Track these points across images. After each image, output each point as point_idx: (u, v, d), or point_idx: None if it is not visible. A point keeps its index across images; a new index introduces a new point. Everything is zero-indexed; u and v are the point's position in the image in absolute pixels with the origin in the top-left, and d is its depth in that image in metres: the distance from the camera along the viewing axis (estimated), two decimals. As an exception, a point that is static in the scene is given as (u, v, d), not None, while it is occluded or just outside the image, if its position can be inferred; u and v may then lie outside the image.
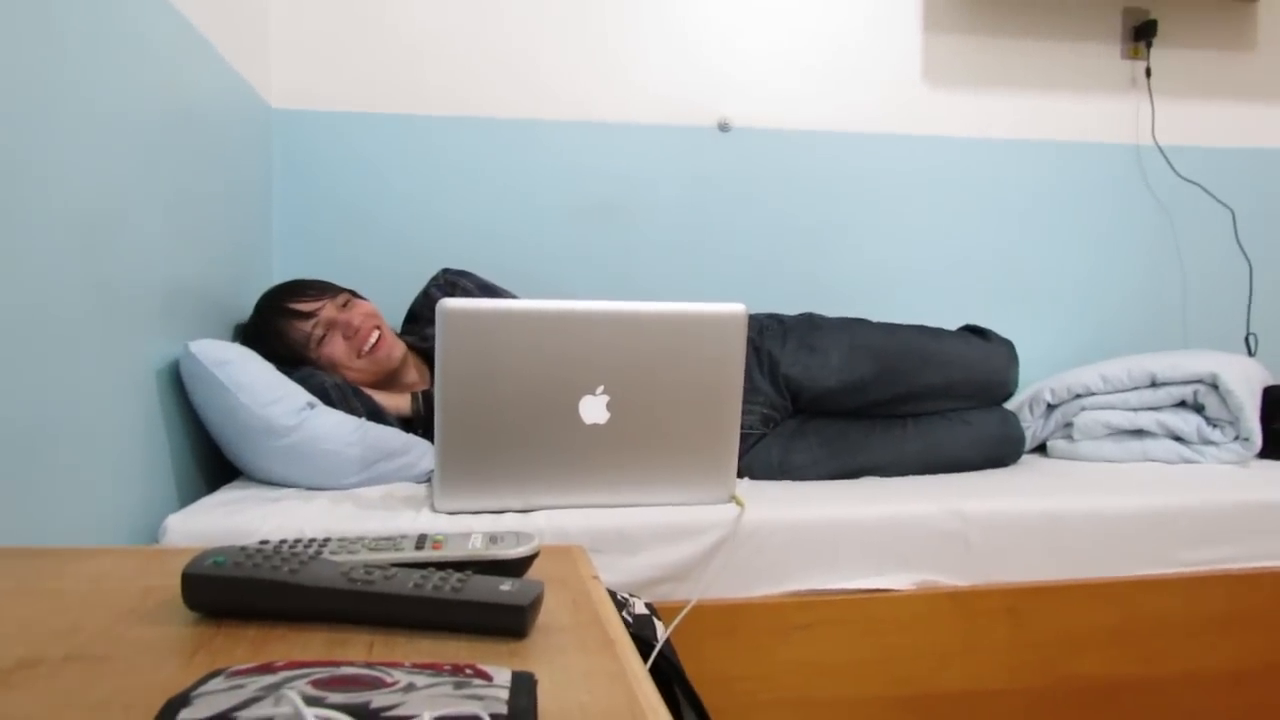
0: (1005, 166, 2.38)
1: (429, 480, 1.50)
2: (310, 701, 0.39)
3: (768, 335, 1.82)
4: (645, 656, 0.97)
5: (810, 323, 1.87)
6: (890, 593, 1.38)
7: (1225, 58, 2.47)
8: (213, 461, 1.55)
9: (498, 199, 2.18)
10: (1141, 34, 2.38)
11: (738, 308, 1.33)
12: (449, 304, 1.25)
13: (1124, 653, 1.45)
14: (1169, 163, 2.40)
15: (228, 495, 1.40)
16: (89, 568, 0.75)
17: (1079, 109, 2.41)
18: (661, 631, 1.13)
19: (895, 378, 1.77)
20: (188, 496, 1.44)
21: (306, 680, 0.44)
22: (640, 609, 1.14)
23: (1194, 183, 2.41)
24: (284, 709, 0.35)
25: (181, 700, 0.42)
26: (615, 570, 1.26)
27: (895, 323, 1.90)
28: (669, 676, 1.09)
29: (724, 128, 2.26)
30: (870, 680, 1.37)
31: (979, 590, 1.41)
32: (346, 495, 1.40)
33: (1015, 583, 1.43)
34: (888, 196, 2.33)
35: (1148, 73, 2.39)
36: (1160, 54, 2.39)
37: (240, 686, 0.43)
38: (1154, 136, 2.40)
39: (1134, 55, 2.41)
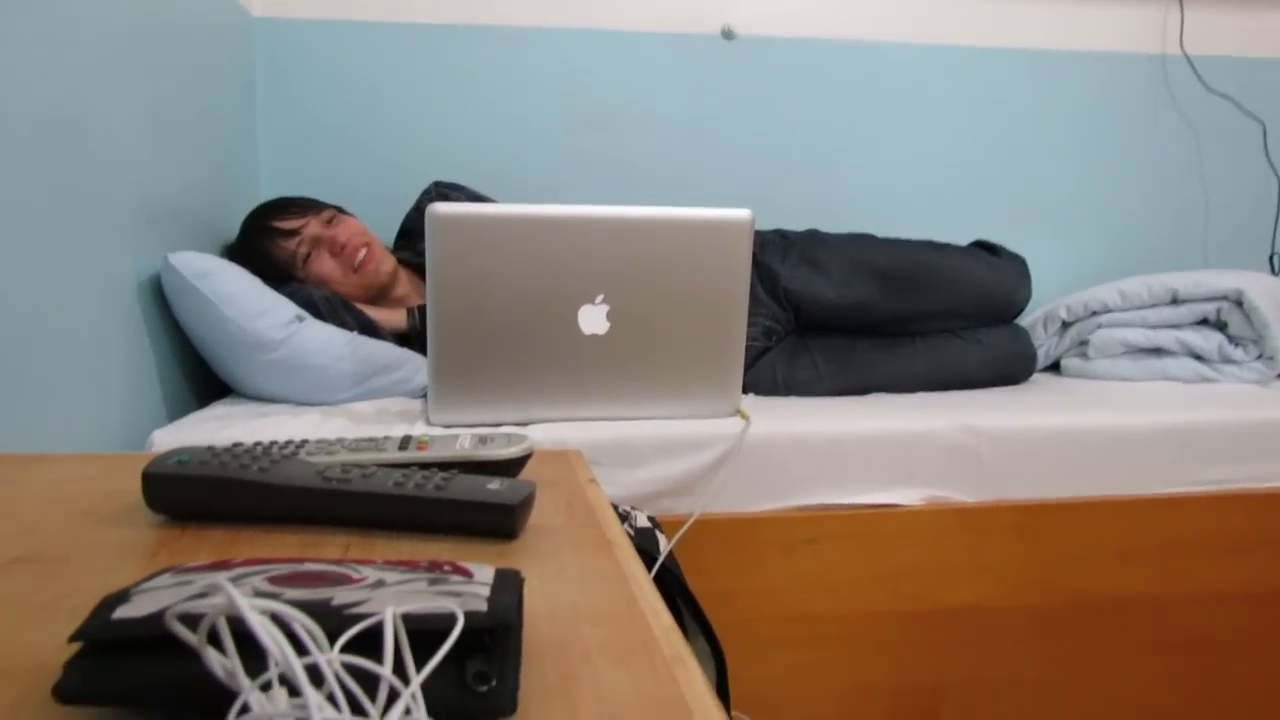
0: (1023, 77, 2.28)
1: (424, 396, 1.45)
2: (262, 597, 0.35)
3: (769, 249, 1.75)
4: (647, 570, 0.94)
5: (813, 238, 1.80)
6: (898, 508, 1.34)
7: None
8: (202, 378, 1.50)
9: (493, 110, 2.09)
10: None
11: (744, 213, 1.27)
12: (438, 209, 1.18)
13: (1135, 571, 1.42)
14: (1197, 74, 2.30)
15: (217, 411, 1.36)
16: (50, 472, 0.70)
17: (1103, 16, 2.29)
18: (664, 544, 1.09)
19: (900, 296, 1.70)
20: (176, 412, 1.40)
21: (263, 576, 0.39)
22: (643, 522, 1.10)
23: (1223, 95, 2.31)
24: (218, 599, 0.30)
25: (120, 596, 0.37)
26: (616, 484, 1.23)
27: (902, 239, 1.83)
28: (671, 590, 1.06)
29: (728, 35, 2.16)
30: (876, 596, 1.34)
31: (989, 506, 1.37)
32: (339, 409, 1.35)
33: (1026, 499, 1.39)
34: (899, 108, 2.24)
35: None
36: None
37: (187, 583, 0.38)
38: (1182, 46, 2.29)
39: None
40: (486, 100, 2.09)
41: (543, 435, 1.23)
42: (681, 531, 1.16)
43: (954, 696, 1.40)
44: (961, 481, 1.37)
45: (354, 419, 1.29)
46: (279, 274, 1.58)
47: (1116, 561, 1.41)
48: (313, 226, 1.61)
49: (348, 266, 1.61)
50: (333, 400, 1.39)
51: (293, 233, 1.59)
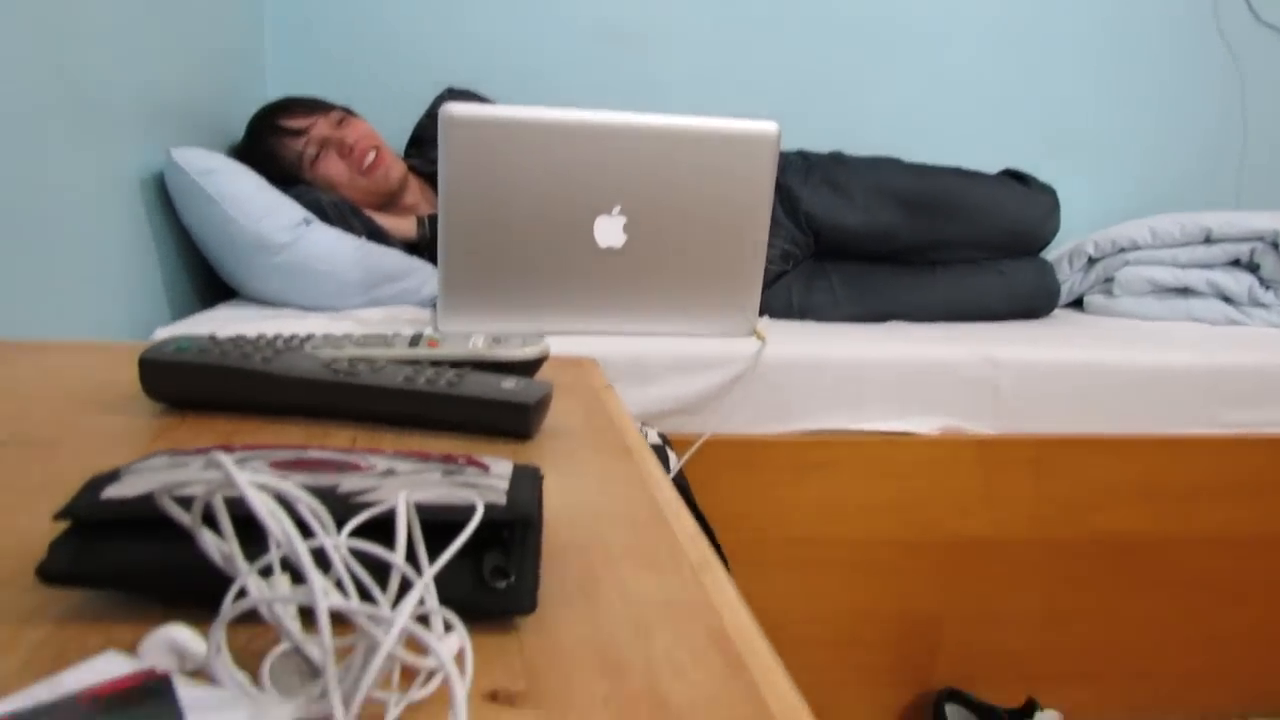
0: (1062, 2, 2.18)
1: (433, 306, 1.42)
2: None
3: (791, 170, 1.69)
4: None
5: (837, 160, 1.74)
6: (912, 436, 1.32)
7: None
8: (207, 280, 1.47)
9: (510, 17, 2.01)
10: None
11: (769, 125, 1.22)
12: (452, 109, 1.14)
13: (1147, 510, 1.40)
14: (1249, 5, 2.20)
15: (222, 312, 1.33)
16: (47, 359, 0.68)
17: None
18: (674, 463, 1.07)
19: (924, 223, 1.65)
20: (180, 313, 1.38)
21: (264, 461, 0.36)
22: (653, 439, 1.08)
23: (1273, 26, 2.21)
24: (212, 474, 0.27)
25: (110, 476, 0.35)
26: (628, 400, 1.20)
27: (929, 164, 1.77)
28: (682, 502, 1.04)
29: (758, -55, 2.07)
30: (885, 523, 1.33)
31: (1005, 439, 1.35)
32: (346, 315, 1.32)
33: (1043, 434, 1.36)
34: (931, 31, 2.15)
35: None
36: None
37: (182, 465, 0.35)
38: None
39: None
40: (502, 9, 2.01)
41: (554, 349, 1.19)
42: (692, 450, 1.14)
43: (956, 626, 1.39)
44: (978, 413, 1.34)
45: (361, 324, 1.26)
46: (285, 175, 1.53)
47: (1130, 500, 1.39)
48: (321, 127, 1.56)
49: (356, 169, 1.56)
50: (339, 307, 1.36)
51: (300, 132, 1.54)
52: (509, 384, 0.54)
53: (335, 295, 1.36)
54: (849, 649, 1.37)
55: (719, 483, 1.23)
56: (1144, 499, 1.40)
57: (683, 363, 1.23)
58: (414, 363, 0.58)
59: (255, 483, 0.26)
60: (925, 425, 1.33)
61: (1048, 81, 2.21)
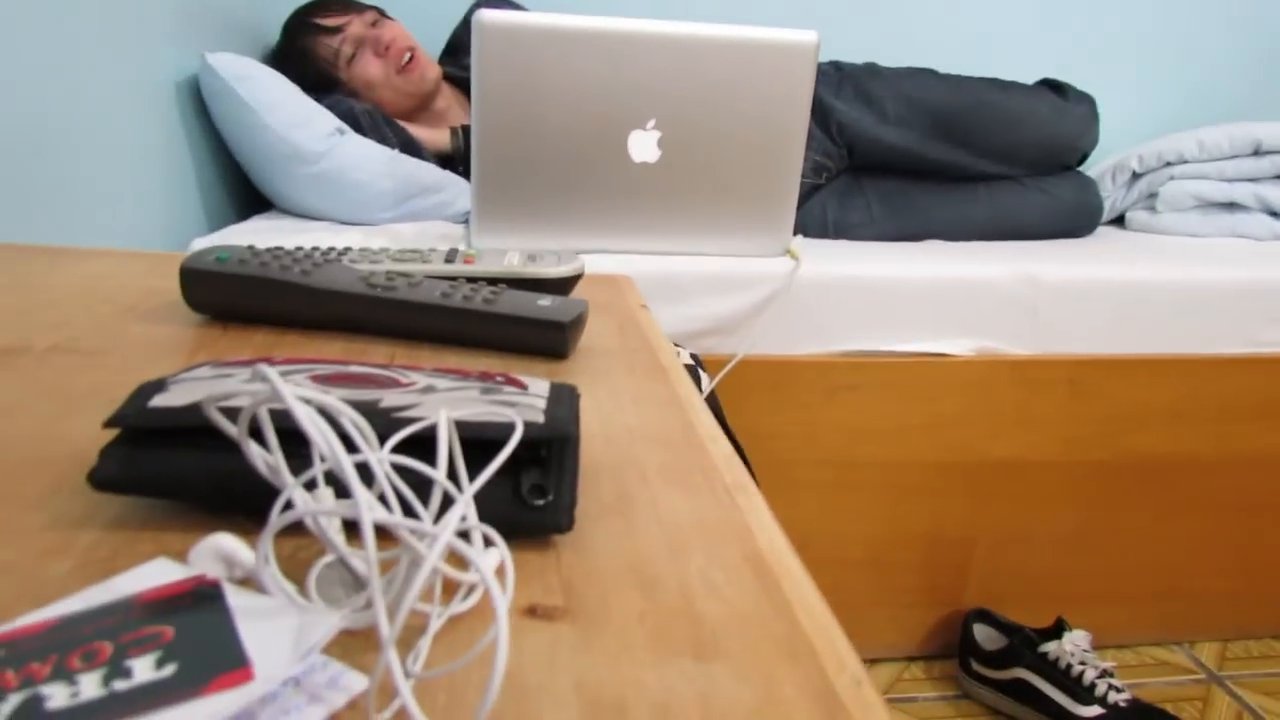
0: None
1: (466, 221, 1.42)
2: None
3: (823, 81, 1.64)
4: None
5: (870, 71, 1.68)
6: (946, 357, 1.31)
7: None
8: (243, 190, 1.47)
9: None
10: None
11: (809, 36, 1.18)
12: (486, 16, 1.11)
13: (1184, 431, 1.39)
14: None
15: (257, 224, 1.33)
16: (90, 266, 0.68)
17: None
18: (706, 383, 1.07)
19: (956, 135, 1.60)
20: (216, 223, 1.38)
21: (306, 375, 0.37)
22: (685, 359, 1.08)
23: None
24: (259, 386, 0.28)
25: (157, 385, 0.35)
26: (661, 320, 1.20)
27: (964, 75, 1.71)
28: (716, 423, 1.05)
29: None
30: (917, 445, 1.33)
31: (1041, 359, 1.33)
32: (380, 230, 1.32)
33: (1080, 354, 1.35)
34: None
35: None
36: None
37: (227, 376, 0.36)
38: None
39: None
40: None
41: (589, 266, 1.19)
42: (725, 371, 1.14)
43: (986, 547, 1.40)
44: (1014, 333, 1.33)
45: (396, 240, 1.26)
46: (321, 75, 1.52)
47: (1166, 421, 1.38)
48: (356, 25, 1.54)
49: (392, 68, 1.55)
50: (372, 220, 1.36)
51: (336, 30, 1.53)
52: (545, 302, 0.54)
53: (368, 206, 1.35)
54: (879, 569, 1.39)
55: (751, 403, 1.23)
56: (1178, 420, 1.39)
57: (716, 282, 1.22)
58: (450, 279, 0.58)
59: (300, 396, 0.27)
60: (960, 346, 1.32)
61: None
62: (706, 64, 1.17)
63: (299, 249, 0.62)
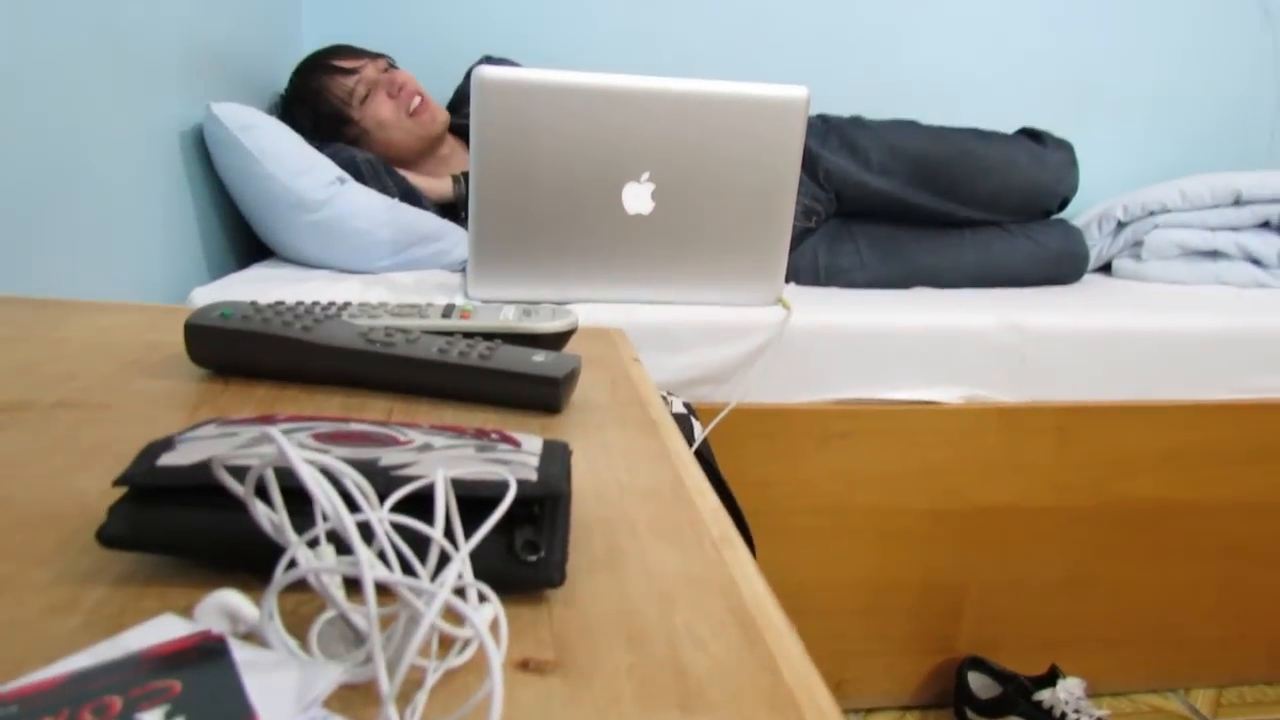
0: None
1: (463, 269, 1.44)
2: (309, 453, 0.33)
3: (810, 132, 1.68)
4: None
5: (855, 123, 1.73)
6: (936, 405, 1.32)
7: None
8: (243, 238, 1.49)
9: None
10: None
11: (799, 91, 1.22)
12: (485, 72, 1.14)
13: (1172, 477, 1.41)
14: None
15: (258, 272, 1.35)
16: (96, 320, 0.70)
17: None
18: (699, 432, 1.09)
19: (938, 184, 1.64)
20: (216, 271, 1.40)
21: (308, 433, 0.38)
22: (678, 408, 1.09)
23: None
24: (265, 449, 0.29)
25: (165, 444, 0.37)
26: (654, 369, 1.21)
27: (946, 126, 1.75)
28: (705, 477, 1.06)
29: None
30: (909, 492, 1.34)
31: (1029, 407, 1.35)
32: (378, 279, 1.34)
33: (1067, 401, 1.36)
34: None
35: None
36: None
37: (232, 435, 0.37)
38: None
39: None
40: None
41: (582, 316, 1.21)
42: (717, 420, 1.15)
43: (978, 594, 1.41)
44: (1003, 381, 1.35)
45: (394, 289, 1.28)
46: (333, 114, 1.57)
47: (1155, 467, 1.40)
48: (370, 69, 1.61)
49: (404, 110, 1.60)
50: (371, 268, 1.38)
51: (352, 71, 1.59)
52: (539, 358, 0.55)
53: (367, 254, 1.38)
54: (873, 617, 1.39)
55: (744, 451, 1.24)
56: (1168, 466, 1.40)
57: (709, 331, 1.24)
58: (447, 334, 0.60)
59: (306, 458, 0.28)
60: (950, 394, 1.33)
61: (1076, 38, 2.17)
62: (700, 118, 1.20)
63: (299, 304, 0.64)
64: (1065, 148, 1.71)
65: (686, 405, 1.11)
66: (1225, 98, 2.24)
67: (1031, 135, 1.75)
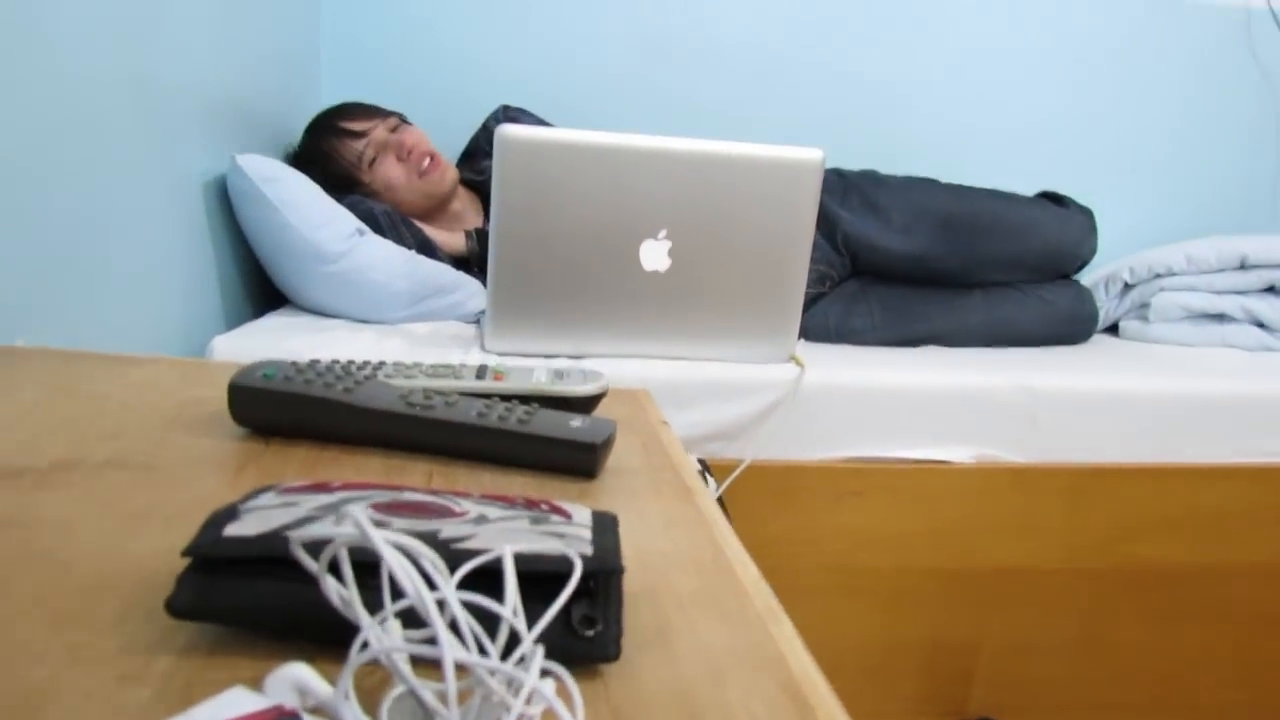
0: (1103, 21, 2.19)
1: (478, 321, 1.45)
2: (374, 527, 0.34)
3: (827, 190, 1.70)
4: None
5: (874, 180, 1.75)
6: (948, 465, 1.33)
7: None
8: (260, 287, 1.51)
9: (556, 34, 2.05)
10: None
11: (814, 154, 1.24)
12: (508, 131, 1.17)
13: (1184, 540, 1.41)
14: (1281, 27, 2.21)
15: (275, 321, 1.37)
16: (134, 374, 0.71)
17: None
18: (713, 489, 1.09)
19: (962, 244, 1.65)
20: (234, 320, 1.41)
21: (366, 504, 0.39)
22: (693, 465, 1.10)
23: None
24: (346, 529, 0.30)
25: (229, 513, 0.37)
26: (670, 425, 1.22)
27: (966, 185, 1.78)
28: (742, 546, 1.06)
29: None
30: (919, 551, 1.34)
31: (1040, 468, 1.36)
32: (395, 330, 1.35)
33: (1078, 463, 1.37)
34: (969, 49, 2.16)
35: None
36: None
37: (293, 504, 0.38)
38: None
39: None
40: (551, 24, 2.04)
41: (598, 368, 1.22)
42: (732, 478, 1.16)
43: (990, 656, 1.40)
44: (1014, 441, 1.35)
45: (410, 340, 1.29)
46: (343, 176, 1.58)
47: (1165, 529, 1.40)
48: (379, 130, 1.61)
49: (413, 172, 1.61)
50: (387, 318, 1.40)
51: (360, 134, 1.59)
52: (576, 423, 0.56)
53: (383, 306, 1.39)
54: (884, 677, 1.38)
55: (756, 508, 1.25)
56: (1179, 528, 1.41)
57: (722, 388, 1.25)
58: (484, 396, 0.61)
59: (386, 539, 0.29)
60: (961, 453, 1.34)
61: (1084, 103, 2.22)
62: (716, 178, 1.22)
63: (336, 364, 0.65)
64: (1086, 213, 1.74)
65: (701, 462, 1.12)
66: (1228, 160, 2.28)
67: (1053, 198, 1.78)
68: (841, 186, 1.72)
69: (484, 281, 1.31)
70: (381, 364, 0.67)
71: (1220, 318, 1.78)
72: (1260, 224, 2.27)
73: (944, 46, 2.15)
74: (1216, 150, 2.28)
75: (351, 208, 1.46)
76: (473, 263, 1.56)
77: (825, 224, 1.65)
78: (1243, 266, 1.77)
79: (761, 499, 1.27)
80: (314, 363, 0.62)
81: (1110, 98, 2.23)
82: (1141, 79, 2.23)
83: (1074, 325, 1.72)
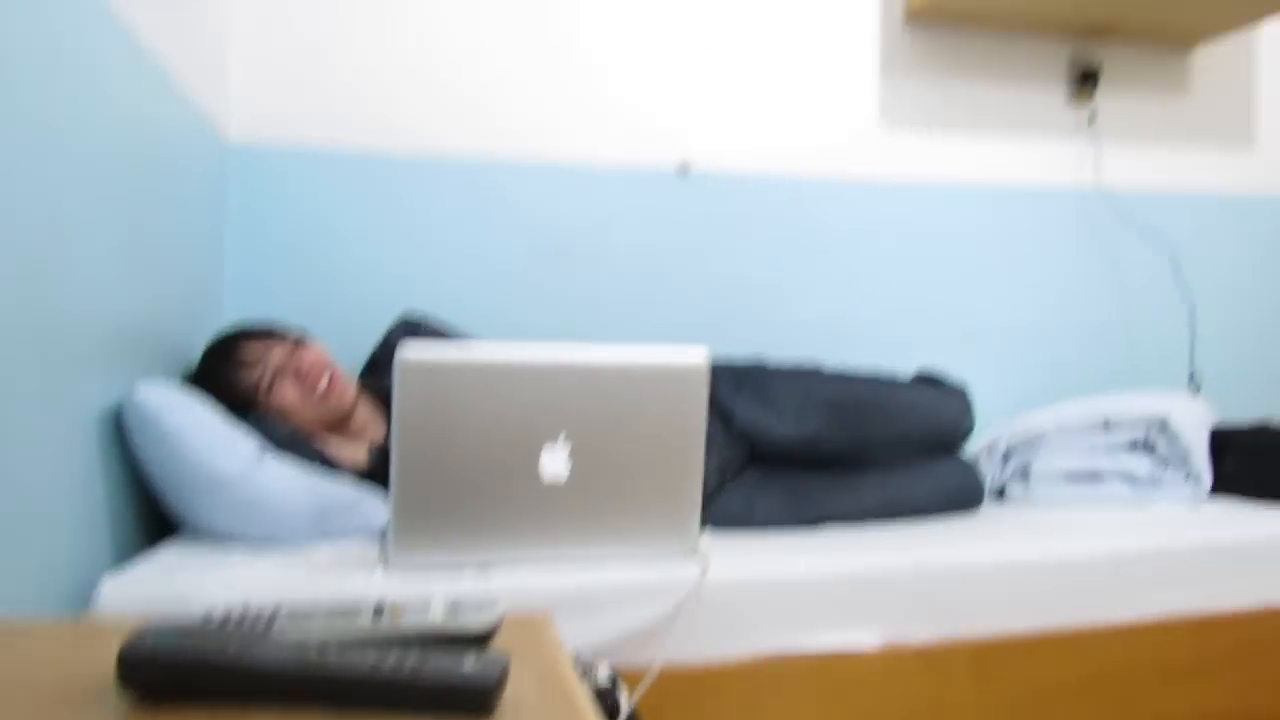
0: (959, 211, 2.42)
1: (383, 535, 1.44)
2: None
3: (720, 384, 1.79)
4: (610, 724, 0.93)
5: (763, 372, 1.86)
6: (857, 654, 1.35)
7: (1165, 103, 2.55)
8: (150, 513, 1.47)
9: (457, 241, 2.15)
10: (1087, 79, 2.45)
11: (698, 358, 1.31)
12: (407, 356, 1.21)
13: (1094, 703, 1.44)
14: (1113, 207, 2.46)
15: (168, 555, 1.32)
16: (11, 650, 0.69)
17: (1028, 154, 2.47)
18: (626, 702, 1.09)
19: (850, 430, 1.76)
20: (124, 552, 1.37)
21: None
22: (603, 677, 1.09)
23: (1136, 225, 2.48)
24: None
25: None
26: (579, 631, 1.22)
27: (848, 372, 1.90)
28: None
29: (683, 171, 2.26)
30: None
31: (946, 645, 1.38)
32: (297, 558, 1.32)
33: (982, 637, 1.41)
34: (842, 241, 2.35)
35: (1091, 119, 2.45)
36: (1105, 100, 2.47)
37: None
38: (1098, 181, 2.46)
39: (1080, 100, 2.47)
40: (451, 231, 2.15)
41: (504, 580, 1.23)
42: (642, 689, 1.15)
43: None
44: (917, 618, 1.39)
45: (311, 570, 1.27)
46: (240, 402, 1.58)
47: (1076, 694, 1.43)
48: (276, 355, 1.63)
49: (310, 394, 1.63)
50: (289, 539, 1.38)
51: (255, 363, 1.61)
52: (468, 664, 0.58)
53: (286, 527, 1.37)
54: None
55: (673, 715, 1.24)
56: (1083, 693, 1.44)
57: (628, 591, 1.26)
58: (380, 642, 0.62)
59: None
60: (868, 635, 1.36)
61: (953, 283, 2.42)
62: (609, 385, 1.28)
63: (228, 619, 0.65)
64: (960, 392, 1.86)
65: (612, 671, 1.12)
66: (1086, 329, 2.49)
67: (928, 380, 1.91)
68: (734, 379, 1.82)
69: (386, 492, 1.31)
70: (277, 612, 0.67)
71: (1094, 476, 1.89)
72: (1121, 381, 2.44)
73: (815, 242, 2.33)
74: (1074, 317, 2.49)
75: (251, 429, 1.47)
76: (375, 478, 1.56)
77: (720, 415, 1.73)
78: (1106, 426, 1.90)
79: (679, 704, 1.26)
80: (206, 620, 0.63)
81: (976, 278, 2.43)
82: (1002, 259, 2.45)
83: (963, 496, 1.80)
